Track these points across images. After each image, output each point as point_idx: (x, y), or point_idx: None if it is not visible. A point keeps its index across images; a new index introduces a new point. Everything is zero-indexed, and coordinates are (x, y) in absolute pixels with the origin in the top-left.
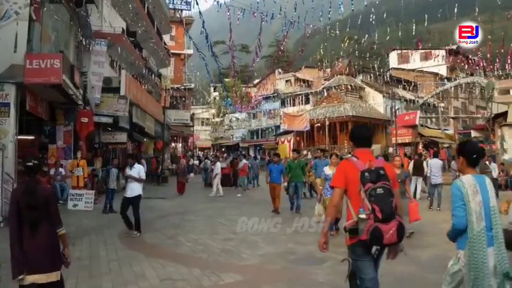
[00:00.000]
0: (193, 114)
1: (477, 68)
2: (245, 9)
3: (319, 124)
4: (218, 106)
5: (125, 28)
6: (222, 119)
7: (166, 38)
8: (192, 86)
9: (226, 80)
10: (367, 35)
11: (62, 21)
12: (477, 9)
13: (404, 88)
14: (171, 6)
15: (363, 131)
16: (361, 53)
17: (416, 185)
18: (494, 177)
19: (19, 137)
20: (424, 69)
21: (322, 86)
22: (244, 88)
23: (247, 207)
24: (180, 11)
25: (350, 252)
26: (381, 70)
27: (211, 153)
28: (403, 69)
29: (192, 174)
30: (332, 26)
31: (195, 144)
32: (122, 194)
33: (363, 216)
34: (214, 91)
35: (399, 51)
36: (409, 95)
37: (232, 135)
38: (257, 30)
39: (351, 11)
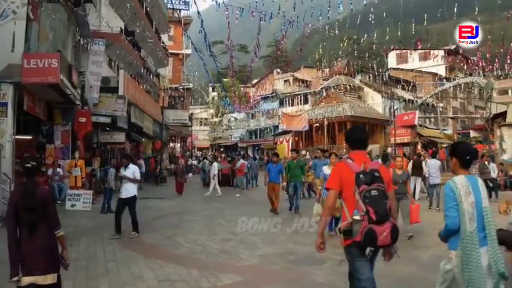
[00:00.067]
0: (191, 114)
1: (476, 68)
2: (243, 8)
3: (317, 124)
4: (217, 106)
5: (123, 28)
6: (220, 119)
7: (164, 37)
8: (191, 86)
9: (225, 80)
10: (366, 35)
11: (59, 20)
12: (477, 8)
13: (403, 88)
14: (169, 6)
15: (358, 134)
16: (360, 53)
17: (415, 185)
18: (494, 178)
19: (17, 137)
20: (423, 70)
21: (321, 86)
22: (242, 88)
23: (246, 208)
24: (178, 11)
25: (346, 253)
26: (380, 70)
27: (210, 153)
28: (402, 69)
29: (190, 174)
30: (331, 25)
31: (194, 144)
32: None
33: (357, 217)
34: (212, 91)
35: (398, 51)
36: (407, 95)
37: (230, 135)
38: (255, 30)
39: (349, 10)
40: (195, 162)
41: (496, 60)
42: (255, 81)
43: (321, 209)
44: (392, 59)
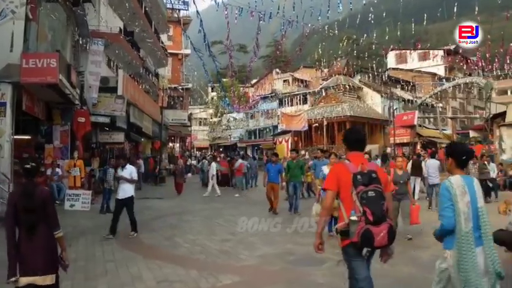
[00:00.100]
0: (191, 114)
1: (476, 68)
2: (243, 8)
3: (317, 124)
4: (216, 106)
5: (122, 28)
6: (219, 119)
7: (163, 37)
8: (190, 86)
9: (224, 80)
10: (365, 35)
11: (58, 20)
12: (477, 8)
13: (402, 88)
14: (168, 6)
15: (356, 135)
16: (359, 52)
17: (414, 185)
18: (493, 178)
19: (15, 137)
20: (422, 70)
21: (320, 86)
22: (242, 88)
23: (245, 208)
24: (177, 11)
25: (343, 253)
26: (379, 70)
27: (209, 153)
28: (401, 70)
29: (189, 175)
30: (330, 25)
31: (193, 144)
32: None
33: (354, 218)
34: (212, 91)
35: (397, 52)
36: (407, 95)
37: (230, 135)
38: (255, 30)
39: (349, 10)
40: (194, 162)
41: (496, 60)
42: (254, 81)
43: (320, 209)
44: (391, 59)
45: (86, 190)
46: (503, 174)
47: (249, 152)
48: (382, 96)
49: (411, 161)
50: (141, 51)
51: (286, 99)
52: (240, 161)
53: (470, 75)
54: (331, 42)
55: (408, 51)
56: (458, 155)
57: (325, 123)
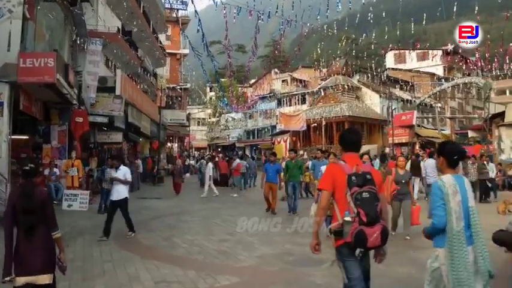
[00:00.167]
0: (189, 114)
1: (475, 68)
2: (241, 7)
3: (315, 124)
4: (214, 106)
5: (120, 27)
6: (218, 119)
7: (162, 37)
8: (188, 85)
9: (223, 80)
10: (364, 35)
11: (56, 20)
12: (477, 7)
13: (401, 88)
14: (167, 5)
15: (352, 136)
16: (358, 52)
17: (413, 185)
18: (492, 178)
19: (13, 137)
20: (421, 70)
21: (319, 86)
22: (240, 88)
23: (243, 208)
24: (176, 11)
25: (337, 253)
26: (378, 70)
27: (207, 153)
28: (400, 70)
29: (188, 175)
30: (329, 25)
31: (191, 144)
32: None
33: (348, 219)
34: (210, 91)
35: (396, 51)
36: (406, 95)
37: (228, 135)
38: (253, 30)
39: (348, 10)
40: (192, 162)
41: (495, 60)
42: (252, 81)
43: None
44: (390, 59)
45: (84, 190)
46: (502, 174)
47: (248, 152)
48: (380, 96)
49: (410, 161)
50: (139, 51)
51: (284, 99)
52: (237, 161)
53: (469, 75)
54: (330, 42)
55: (407, 51)
56: (450, 155)
57: (323, 123)
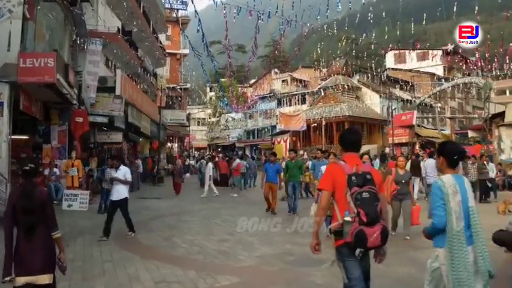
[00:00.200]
0: (189, 114)
1: (475, 68)
2: (241, 7)
3: (315, 124)
4: (214, 106)
5: (120, 27)
6: (218, 119)
7: (162, 37)
8: (188, 85)
9: (223, 80)
10: (364, 35)
11: (56, 20)
12: (477, 7)
13: (401, 88)
14: (167, 5)
15: (352, 136)
16: (358, 52)
17: (413, 185)
18: (492, 178)
19: (13, 137)
20: (421, 70)
21: (319, 86)
22: (240, 88)
23: (243, 208)
24: (176, 11)
25: (337, 253)
26: (378, 70)
27: (207, 153)
28: (400, 70)
29: (188, 175)
30: (329, 25)
31: (191, 144)
32: None
33: (348, 219)
34: (210, 91)
35: (396, 51)
36: (406, 95)
37: (228, 135)
38: (253, 30)
39: (348, 10)
40: (192, 162)
41: (495, 60)
42: (252, 81)
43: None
44: (390, 59)
45: (84, 190)
46: (502, 174)
47: (248, 152)
48: (380, 96)
49: (410, 161)
50: (139, 51)
51: (284, 99)
52: (237, 161)
53: (469, 75)
54: (330, 42)
55: (407, 51)
56: (450, 155)
57: (323, 123)
